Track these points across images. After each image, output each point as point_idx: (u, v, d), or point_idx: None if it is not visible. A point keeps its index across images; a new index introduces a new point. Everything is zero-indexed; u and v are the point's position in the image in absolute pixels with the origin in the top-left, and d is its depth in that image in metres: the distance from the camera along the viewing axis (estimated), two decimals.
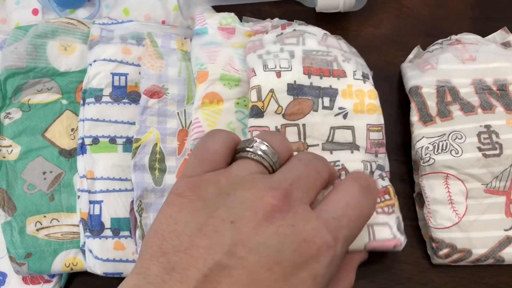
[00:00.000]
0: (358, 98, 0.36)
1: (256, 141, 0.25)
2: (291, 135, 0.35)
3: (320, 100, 0.36)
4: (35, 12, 0.45)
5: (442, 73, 0.39)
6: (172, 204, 0.23)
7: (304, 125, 0.35)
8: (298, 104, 0.35)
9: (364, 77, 0.37)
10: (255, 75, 0.35)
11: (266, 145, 0.25)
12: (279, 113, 0.35)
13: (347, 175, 0.29)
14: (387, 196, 0.35)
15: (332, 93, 0.36)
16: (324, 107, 0.35)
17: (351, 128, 0.36)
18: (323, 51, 0.37)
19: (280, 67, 0.35)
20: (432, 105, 0.38)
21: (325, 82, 0.36)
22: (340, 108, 0.36)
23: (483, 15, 0.45)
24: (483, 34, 0.42)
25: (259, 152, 0.25)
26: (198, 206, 0.22)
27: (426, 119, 0.37)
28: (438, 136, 0.37)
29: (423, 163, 0.36)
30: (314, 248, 0.21)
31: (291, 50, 0.36)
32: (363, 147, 0.35)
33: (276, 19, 0.41)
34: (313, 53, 0.37)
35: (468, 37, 0.41)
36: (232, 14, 0.41)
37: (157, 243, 0.21)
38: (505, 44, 0.42)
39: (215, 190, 0.23)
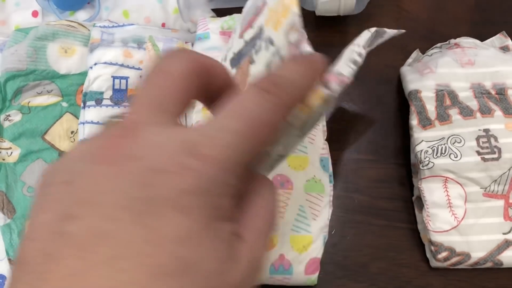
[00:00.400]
0: (273, 13, 0.29)
1: None
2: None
3: (253, 50, 0.31)
4: (34, 14, 0.45)
5: (441, 77, 0.39)
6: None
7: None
8: (240, 72, 0.32)
9: None
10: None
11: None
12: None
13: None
14: None
15: (260, 33, 0.30)
16: (256, 52, 0.30)
17: (275, 47, 0.29)
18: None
19: (226, 52, 0.34)
20: (431, 109, 0.38)
21: (255, 28, 0.31)
22: (267, 39, 0.29)
23: (482, 19, 0.45)
24: (482, 38, 0.42)
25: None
26: (47, 180, 0.18)
27: (425, 122, 0.37)
28: (437, 140, 0.37)
29: (422, 166, 0.36)
30: (170, 176, 0.16)
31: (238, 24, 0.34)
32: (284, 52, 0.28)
33: None
34: (245, 12, 0.33)
35: (467, 41, 0.42)
36: (234, 15, 0.41)
37: None
38: (504, 48, 0.42)
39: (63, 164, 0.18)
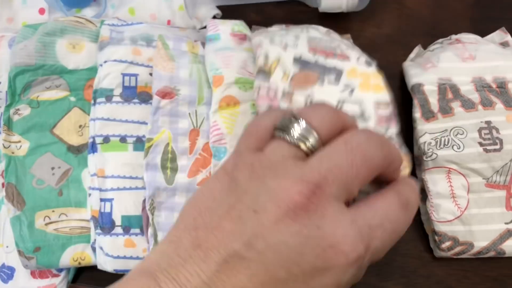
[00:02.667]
0: (363, 78, 0.36)
1: (293, 119, 0.23)
2: (297, 104, 0.35)
3: (325, 76, 0.35)
4: (41, 11, 0.46)
5: (443, 71, 0.40)
6: (216, 179, 0.23)
7: (309, 96, 0.35)
8: (304, 76, 0.35)
9: (368, 63, 0.37)
10: (261, 47, 0.36)
11: (302, 124, 0.22)
12: (285, 81, 0.35)
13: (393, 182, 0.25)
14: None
15: (337, 72, 0.36)
16: (329, 83, 0.35)
17: (359, 102, 0.35)
18: (327, 39, 0.38)
19: (286, 44, 0.36)
20: (434, 102, 0.39)
21: (330, 62, 0.36)
22: (346, 85, 0.35)
23: (482, 15, 0.46)
24: (482, 34, 0.43)
25: (294, 133, 0.22)
26: (232, 188, 0.22)
27: (428, 115, 0.38)
28: (440, 132, 0.37)
29: (426, 158, 0.37)
30: (342, 256, 0.20)
31: (296, 35, 0.37)
32: (373, 118, 0.35)
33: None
34: (317, 39, 0.37)
35: (468, 37, 0.42)
36: (243, 22, 0.42)
37: (193, 216, 0.21)
38: (504, 44, 0.43)
39: (247, 173, 0.22)
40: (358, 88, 0.36)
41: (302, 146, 0.22)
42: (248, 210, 0.20)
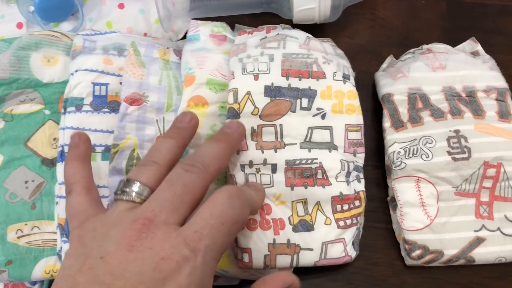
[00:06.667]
0: (337, 98, 0.37)
1: (124, 182, 0.28)
2: (268, 135, 0.36)
3: (298, 101, 0.36)
4: (19, 25, 0.46)
5: (414, 81, 0.40)
6: (66, 255, 0.27)
7: (281, 125, 0.36)
8: (275, 106, 0.36)
9: (345, 77, 0.38)
10: (234, 78, 0.36)
11: (133, 183, 0.28)
12: (256, 114, 0.36)
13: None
14: (357, 203, 0.36)
15: (310, 94, 0.37)
16: (302, 108, 0.36)
17: (329, 128, 0.36)
18: (304, 54, 0.38)
19: (258, 70, 0.37)
20: (403, 111, 0.39)
21: (304, 83, 0.37)
22: (318, 109, 0.37)
23: (453, 25, 0.47)
24: (454, 43, 0.44)
25: (126, 193, 0.28)
26: (80, 251, 0.26)
27: (398, 125, 0.39)
28: (409, 141, 0.38)
29: (395, 167, 0.37)
30: (173, 263, 0.24)
31: (271, 54, 0.38)
32: (341, 146, 0.36)
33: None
34: (293, 56, 0.38)
35: (439, 47, 0.43)
36: (224, 23, 0.43)
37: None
38: (474, 53, 0.44)
39: (92, 234, 0.26)
40: (331, 111, 0.37)
41: (137, 200, 0.28)
42: (96, 259, 0.24)
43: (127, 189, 0.28)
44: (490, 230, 0.36)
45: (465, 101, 0.39)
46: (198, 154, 0.30)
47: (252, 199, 0.31)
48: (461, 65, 0.41)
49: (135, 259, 0.24)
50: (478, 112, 0.38)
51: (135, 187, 0.28)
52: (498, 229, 0.37)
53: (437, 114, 0.39)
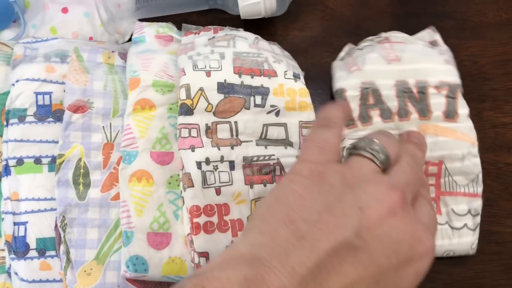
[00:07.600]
0: (290, 96, 0.37)
1: (372, 141, 0.27)
2: (223, 132, 0.35)
3: (252, 98, 0.36)
4: None
5: (367, 74, 0.39)
6: (296, 182, 0.25)
7: (236, 122, 0.36)
8: (229, 102, 0.36)
9: (295, 76, 0.38)
10: (185, 74, 0.36)
11: (380, 146, 0.27)
12: (210, 111, 0.35)
13: None
14: None
15: (263, 92, 0.37)
16: (256, 105, 0.36)
17: (284, 125, 0.37)
18: (254, 53, 0.38)
19: (210, 67, 0.36)
20: (355, 107, 0.39)
21: (256, 81, 0.37)
22: (272, 106, 0.37)
23: (403, 11, 0.46)
24: (405, 30, 0.43)
25: (376, 153, 0.27)
26: (326, 189, 0.25)
27: (348, 122, 0.38)
28: (359, 139, 0.38)
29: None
30: (424, 248, 0.24)
31: (221, 52, 0.37)
32: (297, 143, 0.37)
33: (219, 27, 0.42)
34: (243, 55, 0.37)
35: (397, 36, 0.42)
36: (170, 23, 0.42)
37: (284, 211, 0.24)
38: (432, 43, 0.43)
39: (341, 179, 0.25)
40: (284, 108, 0.37)
41: (380, 164, 0.27)
42: (351, 207, 0.23)
43: (371, 147, 0.27)
44: (439, 224, 0.37)
45: (415, 99, 0.39)
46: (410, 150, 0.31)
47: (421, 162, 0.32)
48: (417, 57, 0.40)
49: (397, 228, 0.24)
50: (424, 113, 0.38)
51: (379, 149, 0.27)
52: (447, 223, 0.37)
53: (386, 115, 0.39)
